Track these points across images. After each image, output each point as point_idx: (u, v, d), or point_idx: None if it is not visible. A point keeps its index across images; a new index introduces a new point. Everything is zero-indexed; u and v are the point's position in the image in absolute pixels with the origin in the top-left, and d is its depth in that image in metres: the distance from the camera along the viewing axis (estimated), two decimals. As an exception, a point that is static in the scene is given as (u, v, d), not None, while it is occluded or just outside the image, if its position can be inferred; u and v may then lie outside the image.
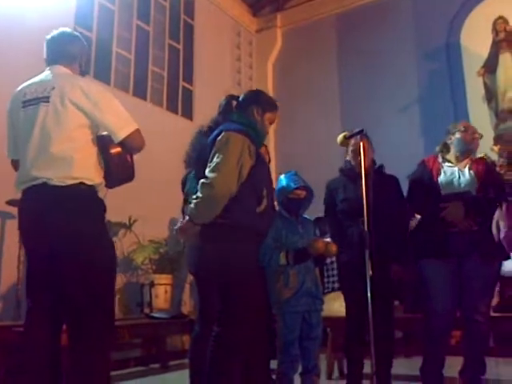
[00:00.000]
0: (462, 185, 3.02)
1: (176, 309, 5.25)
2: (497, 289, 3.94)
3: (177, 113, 7.08)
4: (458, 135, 3.15)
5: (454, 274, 2.92)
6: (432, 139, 3.37)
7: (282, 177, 3.13)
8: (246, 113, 2.52)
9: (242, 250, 2.27)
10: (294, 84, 7.92)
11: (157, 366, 4.57)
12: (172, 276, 5.19)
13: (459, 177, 3.06)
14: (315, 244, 2.86)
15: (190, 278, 6.24)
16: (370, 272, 2.75)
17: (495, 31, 6.80)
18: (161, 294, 4.97)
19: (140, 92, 6.56)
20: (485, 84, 6.71)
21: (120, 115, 2.27)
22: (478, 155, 3.42)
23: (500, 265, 2.99)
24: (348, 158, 3.29)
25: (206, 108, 7.19)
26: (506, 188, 2.97)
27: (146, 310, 4.88)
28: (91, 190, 2.19)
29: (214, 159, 2.27)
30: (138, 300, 5.08)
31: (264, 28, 8.69)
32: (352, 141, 3.07)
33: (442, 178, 3.07)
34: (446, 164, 3.14)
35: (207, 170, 2.26)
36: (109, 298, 2.20)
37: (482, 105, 6.62)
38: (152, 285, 4.96)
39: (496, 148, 5.96)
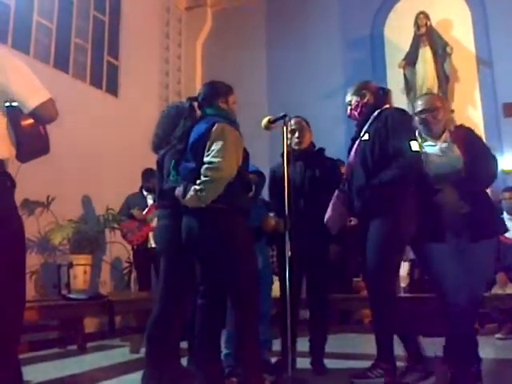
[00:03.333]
0: (447, 164, 2.82)
1: (95, 290, 5.14)
2: (407, 271, 4.17)
3: (101, 88, 6.85)
4: (417, 118, 2.96)
5: (455, 256, 2.77)
6: (354, 127, 3.45)
7: None
8: (214, 107, 2.72)
9: (241, 231, 2.55)
10: (223, 65, 7.88)
11: (74, 347, 4.48)
12: (92, 256, 5.06)
13: (442, 155, 2.86)
14: (267, 221, 3.08)
15: (111, 258, 6.15)
16: (289, 253, 2.82)
17: (417, 25, 7.10)
18: (79, 275, 4.84)
19: (61, 64, 6.28)
20: (405, 76, 7.02)
21: (31, 83, 2.15)
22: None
23: (493, 244, 2.88)
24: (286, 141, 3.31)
25: (132, 84, 7.10)
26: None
27: (64, 292, 4.74)
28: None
29: (214, 147, 2.48)
30: (55, 281, 4.92)
31: (194, 6, 8.56)
32: (290, 122, 3.07)
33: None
34: (426, 144, 2.92)
35: (209, 157, 2.47)
36: (19, 278, 2.11)
37: (401, 96, 6.92)
38: (70, 265, 4.81)
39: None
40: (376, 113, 2.99)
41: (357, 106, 3.09)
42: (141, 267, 5.36)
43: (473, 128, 3.07)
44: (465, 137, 2.87)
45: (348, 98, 3.17)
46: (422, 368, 2.83)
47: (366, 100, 3.08)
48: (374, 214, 2.85)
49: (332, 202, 3.12)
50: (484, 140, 3.08)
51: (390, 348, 2.83)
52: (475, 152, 2.79)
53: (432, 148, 2.88)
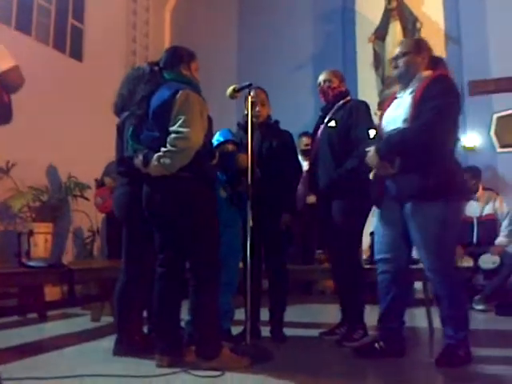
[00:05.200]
0: (394, 120, 2.70)
1: (57, 258, 5.08)
2: (368, 243, 4.27)
3: (64, 52, 6.63)
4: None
5: (395, 220, 2.71)
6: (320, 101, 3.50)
7: (217, 133, 3.26)
8: (175, 73, 2.68)
9: (204, 199, 2.56)
10: (192, 32, 7.74)
11: (34, 315, 4.44)
12: (53, 225, 4.98)
13: (396, 109, 2.74)
14: (240, 157, 3.09)
15: (73, 227, 6.06)
16: (251, 223, 2.88)
17: (388, 0, 7.08)
18: (40, 243, 4.77)
19: (23, 26, 6.03)
20: (374, 51, 7.03)
21: None
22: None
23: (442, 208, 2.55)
24: (246, 112, 3.33)
25: (98, 49, 6.89)
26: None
27: (24, 260, 4.66)
28: None
29: (180, 116, 2.46)
30: (15, 249, 4.83)
31: (163, -30, 8.32)
32: (250, 93, 3.10)
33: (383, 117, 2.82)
34: (398, 95, 2.83)
35: (175, 126, 2.44)
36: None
37: (370, 71, 6.94)
38: (31, 233, 4.73)
39: (379, 113, 6.30)
40: (341, 102, 3.31)
41: (328, 88, 3.35)
42: (110, 235, 5.30)
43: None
44: (425, 85, 2.60)
45: (321, 77, 3.41)
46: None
47: (335, 86, 3.36)
48: (338, 194, 3.16)
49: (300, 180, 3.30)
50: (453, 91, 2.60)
51: (362, 312, 3.22)
52: (422, 106, 2.55)
53: (396, 101, 2.81)
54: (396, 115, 2.69)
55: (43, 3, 6.37)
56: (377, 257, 2.82)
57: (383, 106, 2.93)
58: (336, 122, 3.25)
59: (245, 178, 2.92)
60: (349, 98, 3.39)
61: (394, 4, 7.04)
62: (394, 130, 2.66)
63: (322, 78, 3.42)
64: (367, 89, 6.64)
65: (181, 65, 2.71)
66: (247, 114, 3.04)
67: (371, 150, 2.67)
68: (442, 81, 2.61)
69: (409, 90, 2.69)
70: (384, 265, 2.76)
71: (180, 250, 2.62)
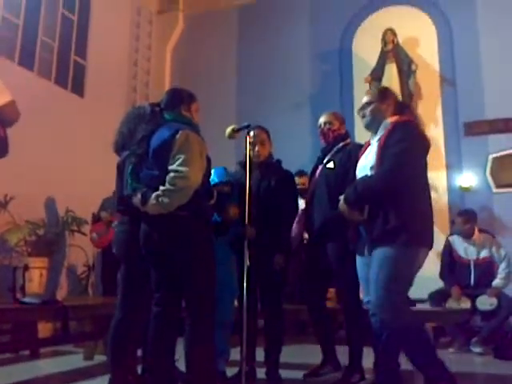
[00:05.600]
0: (364, 168, 2.75)
1: (51, 294, 5.03)
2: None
3: (66, 88, 6.74)
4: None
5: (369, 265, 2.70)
6: (318, 139, 3.56)
7: (212, 171, 3.21)
8: (176, 113, 2.72)
9: (202, 238, 2.56)
10: (193, 71, 7.89)
11: (26, 352, 4.36)
12: (49, 259, 4.95)
13: (366, 157, 2.78)
14: (231, 208, 3.13)
15: (68, 262, 6.02)
16: (248, 262, 2.88)
17: (384, 42, 7.25)
18: (35, 278, 4.73)
19: (27, 62, 6.15)
20: (371, 91, 7.14)
21: None
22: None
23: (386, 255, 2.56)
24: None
25: (99, 86, 7.00)
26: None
27: (19, 295, 4.63)
28: None
29: (180, 155, 2.47)
30: (10, 284, 4.79)
31: (165, 10, 8.53)
32: (252, 133, 3.15)
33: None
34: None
35: (174, 165, 2.46)
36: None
37: (367, 110, 7.05)
38: (26, 268, 4.70)
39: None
40: (341, 144, 3.35)
41: (328, 130, 3.39)
42: (106, 271, 5.27)
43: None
44: (387, 132, 2.63)
45: (322, 119, 3.44)
46: None
47: (335, 128, 3.41)
48: (332, 236, 3.16)
49: (296, 219, 3.31)
50: (413, 137, 2.59)
51: (359, 356, 3.22)
52: (385, 153, 2.57)
53: (369, 148, 2.83)
54: (365, 163, 2.74)
55: (46, 39, 6.51)
56: (364, 299, 2.80)
57: (360, 153, 2.95)
58: (334, 164, 3.28)
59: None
60: (348, 140, 3.44)
61: (389, 46, 7.20)
62: (362, 177, 2.72)
63: (322, 119, 3.46)
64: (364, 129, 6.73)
65: (181, 106, 2.75)
66: (247, 154, 3.08)
67: (341, 198, 2.72)
68: (402, 126, 2.64)
69: (376, 138, 2.73)
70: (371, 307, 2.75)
71: (176, 289, 2.61)
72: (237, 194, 3.26)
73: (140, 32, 8.20)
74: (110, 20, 7.46)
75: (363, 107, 2.83)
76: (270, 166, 3.45)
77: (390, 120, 2.72)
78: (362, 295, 2.94)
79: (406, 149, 2.54)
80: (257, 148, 3.36)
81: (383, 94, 2.85)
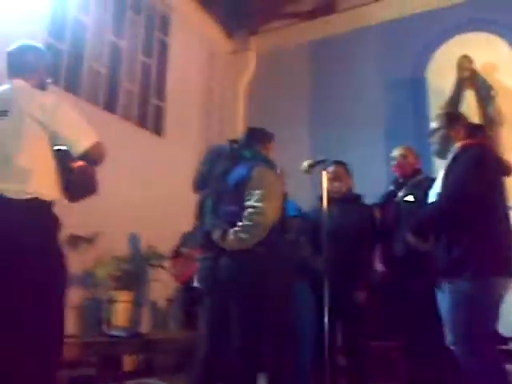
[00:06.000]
0: (433, 195, 2.74)
1: (134, 327, 5.18)
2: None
3: (147, 129, 7.07)
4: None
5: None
6: (391, 174, 3.52)
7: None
8: (253, 151, 2.82)
9: (279, 274, 2.59)
10: (266, 108, 8.03)
11: (112, 385, 4.49)
12: (132, 293, 5.12)
13: (436, 184, 2.79)
14: (318, 261, 3.11)
15: (150, 296, 6.19)
16: (329, 300, 2.85)
17: (460, 69, 7.06)
18: (120, 312, 4.90)
19: (110, 106, 6.54)
20: (448, 120, 6.93)
21: (79, 128, 2.26)
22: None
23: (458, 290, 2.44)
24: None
25: (177, 125, 7.30)
26: None
27: (104, 328, 4.80)
28: (46, 205, 2.17)
29: (256, 191, 2.55)
30: (97, 317, 4.99)
31: (238, 50, 8.80)
32: (330, 168, 3.18)
33: None
34: None
35: (251, 201, 2.53)
36: (59, 315, 2.17)
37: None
38: (112, 302, 4.89)
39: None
40: (417, 179, 3.34)
41: (406, 163, 3.40)
42: (186, 305, 5.36)
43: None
44: (453, 157, 2.56)
45: (396, 152, 3.36)
46: None
47: (411, 161, 3.29)
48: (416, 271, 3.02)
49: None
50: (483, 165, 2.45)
51: None
52: (449, 179, 2.49)
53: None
54: (434, 191, 2.65)
55: (128, 85, 6.89)
56: (448, 338, 2.57)
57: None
58: (415, 198, 3.21)
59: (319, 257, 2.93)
60: (422, 176, 3.36)
61: (466, 73, 7.01)
62: (426, 205, 2.63)
63: (397, 152, 3.43)
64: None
65: (259, 144, 2.84)
66: (324, 189, 3.10)
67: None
68: (469, 150, 2.52)
69: (446, 164, 2.63)
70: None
71: (256, 325, 2.61)
72: (309, 228, 3.26)
73: (214, 73, 8.51)
74: (186, 63, 7.81)
75: (431, 134, 2.75)
76: (350, 201, 3.42)
77: (458, 144, 2.61)
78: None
79: (469, 173, 2.41)
80: (335, 183, 3.36)
81: (451, 118, 2.75)
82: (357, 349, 3.24)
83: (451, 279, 2.40)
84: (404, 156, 3.38)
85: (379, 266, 3.45)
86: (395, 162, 3.43)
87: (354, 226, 3.30)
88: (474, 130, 2.72)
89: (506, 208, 2.54)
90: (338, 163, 3.46)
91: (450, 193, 2.43)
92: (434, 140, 2.71)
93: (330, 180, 3.30)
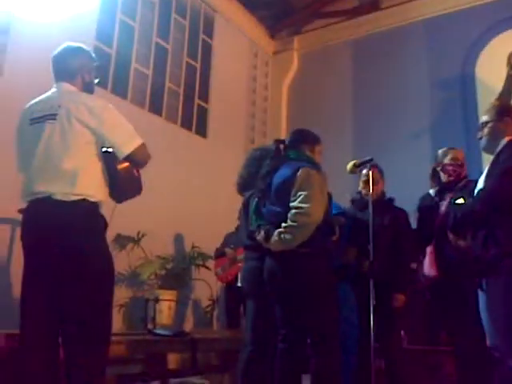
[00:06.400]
0: (476, 191, 2.72)
1: (178, 325, 5.26)
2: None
3: (191, 130, 7.16)
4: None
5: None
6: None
7: None
8: (299, 152, 2.79)
9: (324, 275, 2.57)
10: (309, 107, 7.99)
11: (157, 383, 4.55)
12: (177, 292, 5.20)
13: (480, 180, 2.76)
14: (350, 251, 3.16)
15: (194, 295, 6.27)
16: (374, 302, 2.81)
17: (510, 65, 6.83)
18: (165, 310, 4.98)
19: (156, 108, 6.65)
20: (499, 117, 6.71)
21: (125, 130, 2.30)
22: None
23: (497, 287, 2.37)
24: (359, 189, 3.37)
25: (220, 126, 7.37)
26: None
27: (150, 326, 4.89)
28: (93, 206, 2.22)
29: (301, 192, 2.52)
30: (143, 315, 5.09)
31: (281, 50, 8.80)
32: (363, 171, 3.14)
33: None
34: None
35: (296, 202, 2.51)
36: (105, 314, 2.22)
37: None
38: (156, 300, 4.97)
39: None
40: (463, 183, 3.24)
41: (457, 166, 3.30)
42: (230, 305, 5.40)
43: None
44: (499, 151, 2.45)
45: (448, 156, 3.37)
46: None
47: (461, 165, 3.34)
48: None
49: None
50: None
51: None
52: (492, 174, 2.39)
53: None
54: (478, 186, 2.53)
55: (173, 87, 7.00)
56: (489, 343, 2.44)
57: None
58: (464, 200, 3.12)
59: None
60: (467, 179, 3.29)
61: (516, 69, 6.78)
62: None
63: (450, 156, 3.33)
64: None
65: (305, 145, 2.81)
66: (360, 192, 3.07)
67: None
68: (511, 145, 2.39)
69: (491, 159, 2.51)
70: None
71: (301, 326, 2.60)
72: (348, 228, 3.23)
73: (257, 73, 8.54)
74: (230, 64, 7.87)
75: (480, 128, 2.61)
76: (383, 205, 3.38)
77: (507, 139, 2.47)
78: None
79: (509, 169, 2.29)
80: (370, 187, 3.32)
81: (502, 110, 2.59)
82: (393, 352, 3.18)
83: (488, 277, 2.31)
84: (455, 159, 3.28)
85: (431, 271, 3.34)
86: (447, 165, 3.31)
87: (387, 229, 3.23)
88: None
89: None
90: (373, 166, 3.38)
91: (490, 188, 2.34)
92: (483, 134, 2.59)
93: (364, 183, 3.25)
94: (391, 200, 3.46)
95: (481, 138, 2.61)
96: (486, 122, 2.58)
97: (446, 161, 3.32)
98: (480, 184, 2.50)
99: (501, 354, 2.28)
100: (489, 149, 2.57)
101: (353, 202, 3.50)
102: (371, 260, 2.91)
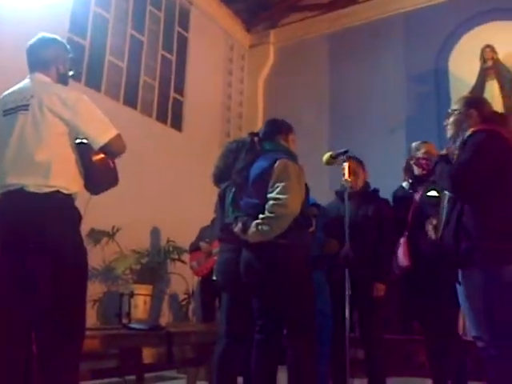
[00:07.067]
0: None
1: (154, 320, 5.23)
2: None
3: (166, 123, 7.11)
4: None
5: None
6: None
7: None
8: (274, 143, 2.78)
9: (301, 266, 2.57)
10: (285, 101, 7.99)
11: (132, 377, 4.52)
12: (152, 287, 5.17)
13: None
14: (331, 243, 3.16)
15: (170, 289, 6.24)
16: (349, 292, 2.84)
17: (483, 59, 6.94)
18: (140, 305, 4.95)
19: (130, 101, 6.58)
20: (470, 111, 6.82)
21: (99, 121, 2.27)
22: None
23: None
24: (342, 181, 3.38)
25: (196, 119, 7.32)
26: None
27: (125, 320, 4.85)
28: (67, 198, 2.18)
29: (279, 183, 2.53)
30: (117, 310, 5.04)
31: (257, 43, 8.78)
32: (344, 164, 3.15)
33: None
34: None
35: (274, 193, 2.51)
36: (80, 308, 2.19)
37: (467, 131, 6.72)
38: (132, 295, 4.93)
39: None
40: None
41: (427, 161, 3.24)
42: (205, 299, 5.39)
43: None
44: (461, 143, 2.47)
45: (420, 150, 3.38)
46: None
47: (432, 158, 3.23)
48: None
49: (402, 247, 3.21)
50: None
51: None
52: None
53: None
54: None
55: (148, 79, 6.93)
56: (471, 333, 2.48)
57: None
58: (438, 193, 3.13)
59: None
60: None
61: (489, 63, 6.89)
62: None
63: (422, 150, 3.35)
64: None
65: (279, 136, 2.80)
66: (342, 184, 3.10)
67: None
68: (475, 136, 2.40)
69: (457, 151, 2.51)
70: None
71: (278, 317, 2.61)
72: (323, 219, 3.24)
73: (233, 67, 8.51)
74: (206, 57, 7.82)
75: (447, 117, 2.63)
76: (367, 196, 3.41)
77: (470, 130, 2.47)
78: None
79: (469, 160, 2.30)
80: (350, 178, 3.33)
81: (469, 102, 2.60)
82: (374, 341, 3.22)
83: (462, 271, 2.35)
84: (428, 153, 3.29)
85: (404, 262, 3.37)
86: (420, 159, 3.33)
87: (372, 220, 3.27)
88: (490, 116, 2.56)
89: None
90: (352, 159, 3.39)
91: (449, 182, 2.37)
92: (448, 122, 2.60)
93: (344, 175, 3.28)
94: (376, 191, 3.48)
95: (446, 126, 2.65)
96: (453, 111, 2.61)
97: (420, 154, 3.35)
98: None
99: (484, 343, 2.31)
100: (453, 139, 2.60)
101: (337, 193, 3.51)
102: (347, 250, 2.92)
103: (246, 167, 2.74)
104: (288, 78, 8.23)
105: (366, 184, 3.46)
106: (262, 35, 8.74)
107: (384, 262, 3.27)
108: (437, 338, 3.06)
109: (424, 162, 3.31)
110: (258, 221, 2.52)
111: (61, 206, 2.16)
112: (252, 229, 2.54)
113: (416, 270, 3.26)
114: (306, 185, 2.72)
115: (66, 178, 2.19)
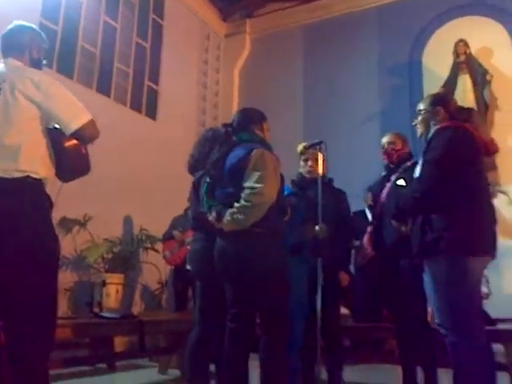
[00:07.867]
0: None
1: (126, 309, 5.20)
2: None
3: (140, 112, 7.03)
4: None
5: None
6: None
7: None
8: (249, 133, 2.77)
9: (277, 254, 2.58)
10: (260, 91, 7.99)
11: (104, 365, 4.51)
12: (124, 276, 5.14)
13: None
14: (308, 228, 3.11)
15: (143, 278, 6.21)
16: (322, 282, 2.88)
17: (456, 53, 7.05)
18: (112, 294, 4.92)
19: (104, 88, 6.49)
20: (443, 104, 6.93)
21: (72, 105, 2.23)
22: None
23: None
24: (300, 170, 3.39)
25: (171, 108, 7.26)
26: None
27: (96, 310, 4.82)
28: (37, 184, 2.14)
29: (255, 172, 2.53)
30: (89, 299, 5.00)
31: (233, 33, 8.74)
32: (308, 151, 3.17)
33: None
34: None
35: (250, 182, 2.51)
36: (51, 297, 2.16)
37: (439, 124, 6.83)
38: (103, 284, 4.90)
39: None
40: (408, 163, 3.21)
41: (392, 150, 3.33)
42: (178, 288, 5.38)
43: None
44: (429, 139, 2.55)
45: (384, 140, 3.42)
46: None
47: (399, 148, 3.34)
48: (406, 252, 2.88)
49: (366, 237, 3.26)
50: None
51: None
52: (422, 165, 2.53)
53: None
54: (415, 174, 2.63)
55: (122, 67, 6.84)
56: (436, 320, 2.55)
57: None
58: (406, 181, 3.18)
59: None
60: (413, 160, 3.31)
61: (462, 57, 7.00)
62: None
63: (385, 140, 3.41)
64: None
65: (253, 125, 2.79)
66: (301, 172, 3.15)
67: None
68: (442, 132, 2.49)
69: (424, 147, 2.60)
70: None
71: (251, 306, 2.62)
72: (304, 207, 3.26)
73: (209, 56, 8.46)
74: (181, 46, 7.75)
75: (416, 116, 2.71)
76: (326, 184, 3.43)
77: (437, 127, 2.56)
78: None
79: (438, 156, 2.40)
80: (309, 163, 3.35)
81: (435, 100, 2.70)
82: (335, 330, 3.28)
83: (427, 260, 2.44)
84: (390, 143, 3.35)
85: (367, 250, 3.43)
86: (383, 149, 3.41)
87: (331, 208, 3.28)
88: (456, 112, 2.64)
89: (485, 188, 2.52)
90: (322, 148, 3.41)
91: (420, 177, 2.46)
92: (417, 121, 2.67)
93: (304, 162, 3.30)
94: (331, 180, 3.52)
95: (415, 125, 2.71)
96: (420, 111, 2.68)
97: (384, 144, 3.40)
98: (416, 172, 2.59)
99: (446, 331, 2.38)
100: (422, 136, 2.68)
101: (293, 182, 3.51)
102: (319, 237, 2.95)
103: (220, 158, 2.73)
104: (264, 68, 8.22)
105: (324, 173, 3.50)
106: (238, 24, 8.71)
107: (343, 251, 3.35)
108: (406, 325, 3.11)
109: (386, 151, 3.37)
110: (233, 209, 2.52)
111: (31, 191, 2.11)
112: (227, 217, 2.54)
113: (380, 259, 3.31)
114: (281, 174, 2.73)
115: (35, 162, 2.14)
